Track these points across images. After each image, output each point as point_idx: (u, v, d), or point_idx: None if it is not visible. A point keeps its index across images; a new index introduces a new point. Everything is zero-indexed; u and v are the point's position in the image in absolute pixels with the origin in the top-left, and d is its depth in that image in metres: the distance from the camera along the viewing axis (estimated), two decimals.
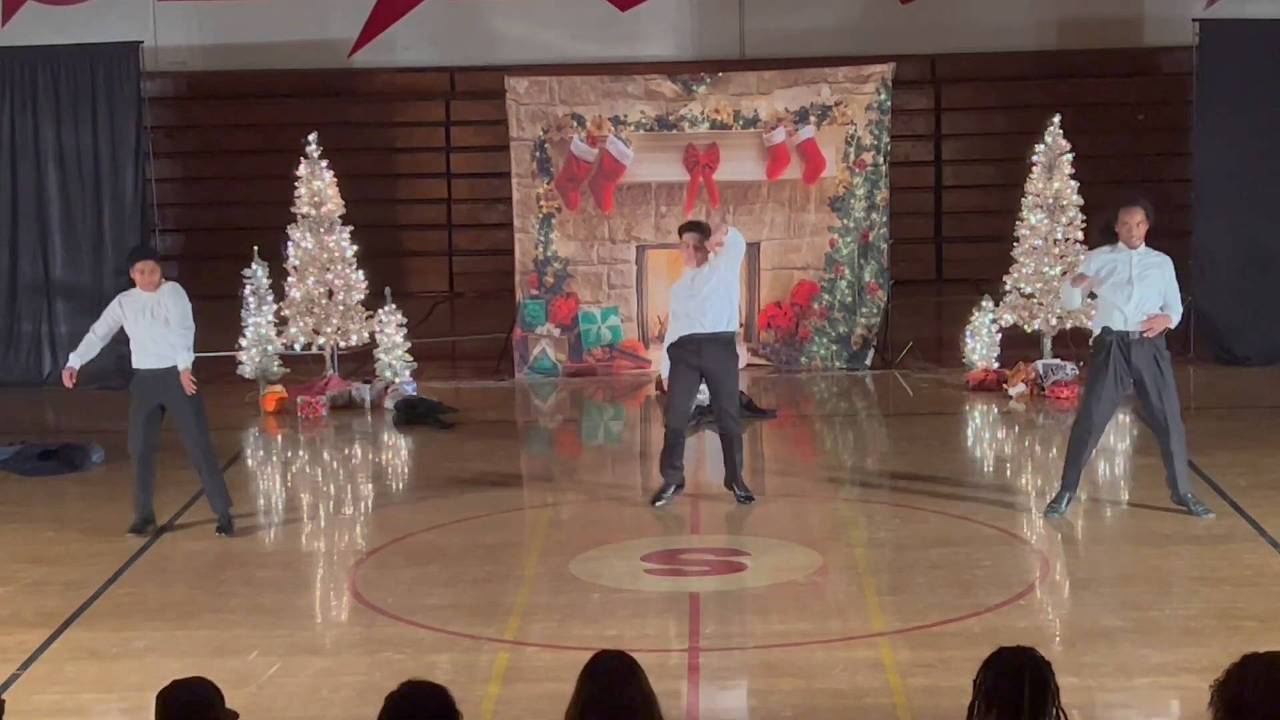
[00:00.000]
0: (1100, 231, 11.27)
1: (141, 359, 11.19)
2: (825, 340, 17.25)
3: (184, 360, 11.13)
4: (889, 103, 17.24)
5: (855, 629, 9.15)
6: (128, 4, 21.90)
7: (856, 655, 8.70)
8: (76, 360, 11.27)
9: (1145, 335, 10.71)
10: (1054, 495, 11.26)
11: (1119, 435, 14.50)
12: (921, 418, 15.27)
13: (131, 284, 11.26)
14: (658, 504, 11.60)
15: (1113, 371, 10.77)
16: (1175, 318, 10.90)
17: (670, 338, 11.65)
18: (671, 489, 11.63)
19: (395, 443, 14.89)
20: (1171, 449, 10.87)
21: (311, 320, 16.50)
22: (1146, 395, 10.85)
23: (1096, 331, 11.08)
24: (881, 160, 17.20)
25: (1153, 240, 10.97)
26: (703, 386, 11.72)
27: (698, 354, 11.42)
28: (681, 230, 11.86)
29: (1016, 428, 14.90)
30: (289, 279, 16.52)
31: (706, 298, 11.38)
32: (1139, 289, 10.75)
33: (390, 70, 22.75)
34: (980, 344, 16.23)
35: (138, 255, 11.49)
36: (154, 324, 11.09)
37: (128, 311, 11.17)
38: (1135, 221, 10.77)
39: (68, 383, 11.24)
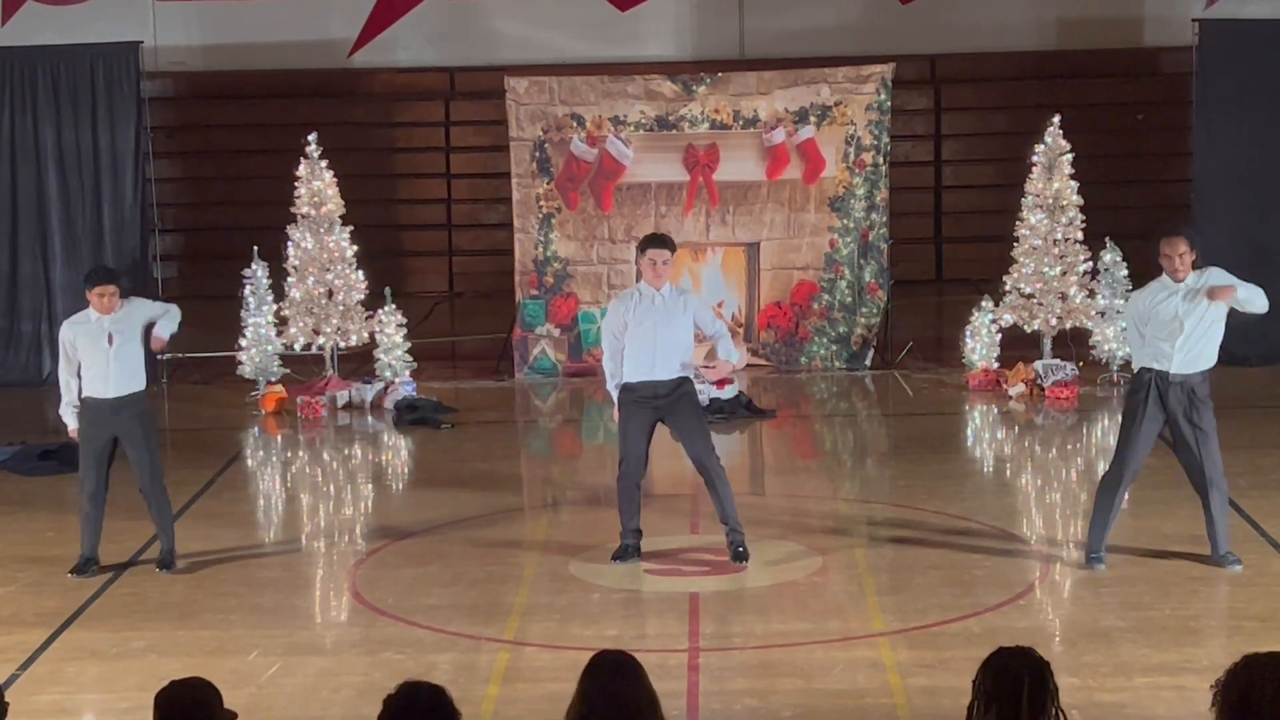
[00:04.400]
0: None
1: (95, 387, 10.36)
2: (825, 340, 17.25)
3: (166, 329, 10.52)
4: (889, 103, 17.25)
5: (855, 629, 9.15)
6: (128, 4, 21.88)
7: (856, 655, 8.70)
8: (72, 418, 10.45)
9: (1214, 298, 9.60)
10: (1086, 553, 10.20)
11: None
12: (921, 418, 15.27)
13: (84, 305, 10.44)
14: (616, 560, 10.42)
15: (1149, 412, 9.81)
16: (1246, 289, 9.70)
17: (612, 369, 10.38)
18: (631, 551, 10.44)
19: (395, 443, 14.89)
20: (1212, 508, 9.94)
21: (311, 320, 16.50)
22: (1180, 443, 9.94)
23: (1135, 369, 10.07)
24: (881, 160, 17.20)
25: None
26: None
27: (654, 395, 10.23)
28: (645, 245, 10.40)
29: (1016, 428, 14.91)
30: (289, 279, 16.53)
31: (667, 339, 10.20)
32: (1188, 327, 9.74)
33: (390, 70, 22.74)
34: (980, 344, 16.23)
35: (99, 278, 10.50)
36: (112, 349, 10.30)
37: (81, 340, 10.33)
38: (1178, 253, 9.73)
39: (74, 436, 10.53)
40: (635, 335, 10.28)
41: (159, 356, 10.44)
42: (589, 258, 17.32)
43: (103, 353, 10.34)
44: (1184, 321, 9.78)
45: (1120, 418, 10.26)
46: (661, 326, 10.24)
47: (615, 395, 10.45)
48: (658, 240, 10.49)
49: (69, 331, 10.47)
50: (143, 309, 10.62)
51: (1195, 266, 9.89)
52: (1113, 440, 13.73)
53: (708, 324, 10.46)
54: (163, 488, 10.63)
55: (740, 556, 10.35)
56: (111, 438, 10.44)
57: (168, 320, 10.63)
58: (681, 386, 10.32)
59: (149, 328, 10.57)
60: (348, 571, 10.62)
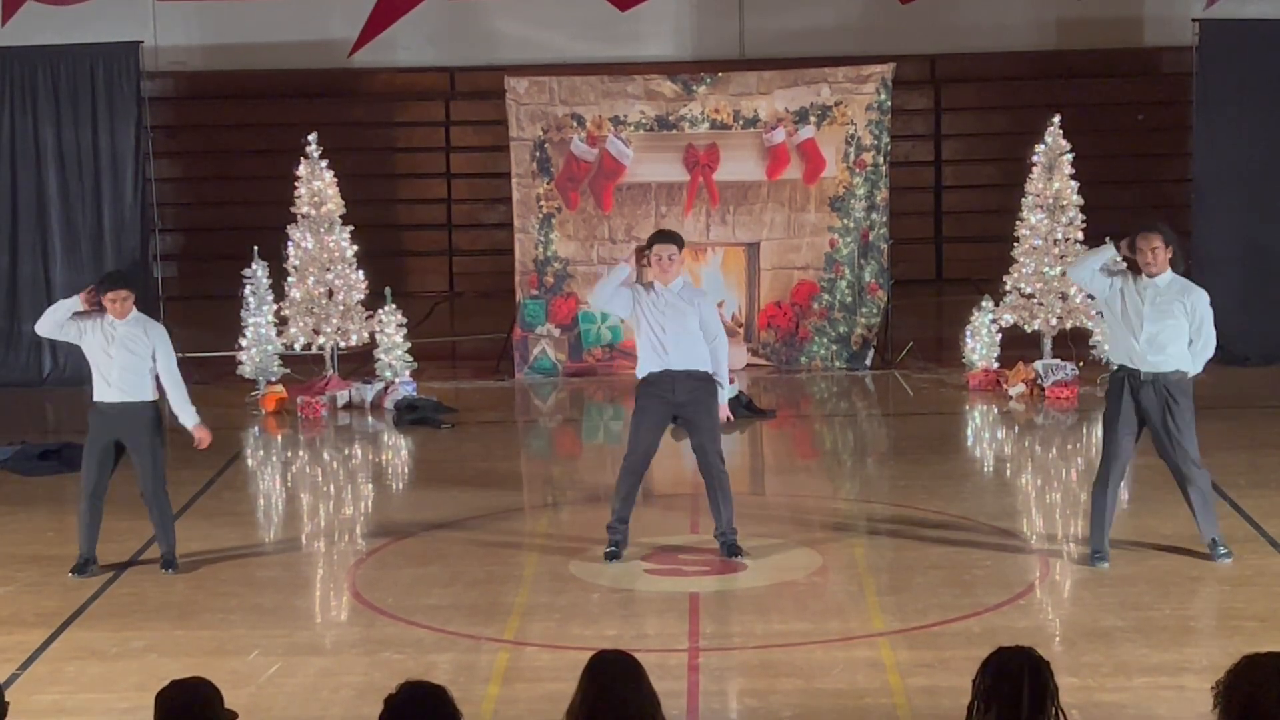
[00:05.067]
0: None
1: (103, 391, 10.37)
2: (825, 340, 17.25)
3: (191, 418, 10.59)
4: (889, 103, 17.25)
5: (855, 629, 9.15)
6: (128, 4, 21.90)
7: (856, 655, 8.70)
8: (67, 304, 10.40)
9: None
10: (1089, 552, 10.26)
11: None
12: (921, 418, 15.27)
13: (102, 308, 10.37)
14: (609, 558, 10.43)
15: (1124, 412, 9.94)
16: (1199, 361, 10.00)
17: (641, 364, 10.41)
18: (620, 546, 10.44)
19: (395, 443, 14.89)
20: (1191, 499, 10.08)
21: (311, 320, 16.50)
22: (1157, 440, 10.04)
23: (1113, 368, 10.24)
24: (881, 160, 17.20)
25: None
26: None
27: (671, 390, 10.24)
28: (653, 240, 10.44)
29: (1016, 428, 14.91)
30: (289, 279, 16.52)
31: (678, 333, 10.22)
32: (1150, 325, 9.88)
33: (390, 70, 22.75)
34: (980, 344, 16.23)
35: (112, 283, 10.45)
36: (120, 355, 10.27)
37: (87, 335, 10.35)
38: (1151, 248, 9.86)
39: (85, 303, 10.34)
40: (647, 330, 10.29)
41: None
42: (589, 258, 17.31)
43: (107, 357, 10.34)
44: (1144, 321, 9.89)
45: (1102, 417, 10.35)
46: (672, 321, 10.24)
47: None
48: (664, 236, 10.51)
49: (83, 319, 10.37)
50: (158, 338, 10.47)
51: (1173, 265, 10.01)
52: None
53: (710, 329, 10.40)
54: (165, 495, 10.61)
55: (734, 551, 10.39)
56: (116, 441, 10.44)
57: (192, 411, 10.59)
58: (699, 385, 10.31)
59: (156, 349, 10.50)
60: (348, 571, 10.62)
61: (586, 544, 10.87)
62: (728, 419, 10.57)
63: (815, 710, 7.98)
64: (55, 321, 10.46)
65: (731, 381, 15.34)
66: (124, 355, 10.34)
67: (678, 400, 10.31)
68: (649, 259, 10.38)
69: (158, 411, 10.54)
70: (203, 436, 10.72)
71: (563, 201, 17.28)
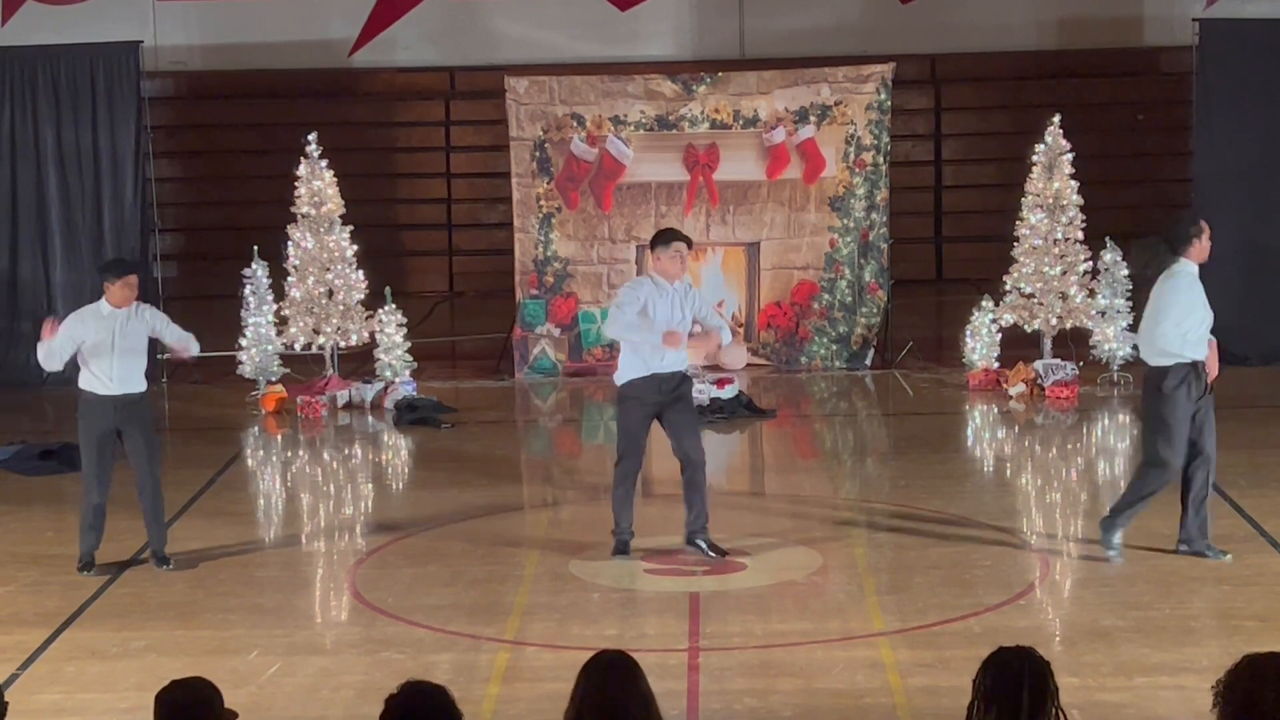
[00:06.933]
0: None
1: (97, 384, 10.31)
2: (825, 340, 17.25)
3: (195, 347, 10.74)
4: (889, 102, 17.25)
5: (855, 629, 9.15)
6: (128, 4, 21.90)
7: (856, 655, 8.71)
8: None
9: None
10: (1107, 531, 10.25)
11: (1119, 436, 14.53)
12: (921, 418, 15.27)
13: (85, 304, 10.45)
14: (617, 555, 10.52)
15: (1187, 404, 9.84)
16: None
17: (632, 361, 10.43)
18: (628, 547, 10.53)
19: (395, 443, 14.89)
20: (1208, 487, 10.09)
21: (311, 320, 16.50)
22: (1199, 424, 9.95)
23: (1173, 361, 9.86)
24: (881, 160, 17.20)
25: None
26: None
27: (656, 390, 10.33)
28: (670, 239, 10.37)
29: (1016, 428, 14.91)
30: (289, 279, 16.53)
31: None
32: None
33: (390, 70, 22.76)
34: (980, 344, 16.23)
35: (125, 269, 10.49)
36: (122, 349, 10.25)
37: (91, 327, 10.28)
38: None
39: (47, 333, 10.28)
40: (647, 328, 10.34)
41: (162, 357, 10.43)
42: (589, 257, 17.32)
43: (108, 349, 10.31)
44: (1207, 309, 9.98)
45: (1163, 412, 9.91)
46: (673, 320, 10.29)
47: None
48: (680, 235, 10.48)
49: (77, 324, 10.31)
50: (159, 319, 10.55)
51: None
52: (1112, 440, 13.82)
53: (709, 318, 10.57)
54: (160, 498, 10.59)
55: (716, 549, 10.39)
56: (113, 430, 10.39)
57: (190, 344, 10.70)
58: (683, 383, 10.43)
59: (158, 339, 10.65)
60: (348, 571, 10.62)
61: (586, 544, 10.89)
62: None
63: (815, 710, 7.99)
64: (52, 355, 10.35)
65: (731, 382, 15.43)
66: (127, 350, 10.33)
67: (662, 400, 10.37)
68: (658, 254, 10.35)
69: (147, 403, 10.58)
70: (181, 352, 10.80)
71: (563, 201, 17.28)
